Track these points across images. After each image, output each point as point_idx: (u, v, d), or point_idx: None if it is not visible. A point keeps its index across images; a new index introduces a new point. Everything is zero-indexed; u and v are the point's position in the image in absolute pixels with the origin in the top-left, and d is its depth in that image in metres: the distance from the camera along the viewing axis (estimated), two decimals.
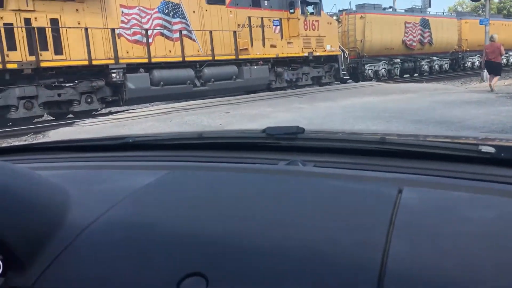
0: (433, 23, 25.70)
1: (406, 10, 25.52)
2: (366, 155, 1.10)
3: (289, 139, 1.19)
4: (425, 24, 25.15)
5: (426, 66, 26.09)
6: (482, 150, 0.97)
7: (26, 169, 0.91)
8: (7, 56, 10.96)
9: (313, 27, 18.65)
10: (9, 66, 10.91)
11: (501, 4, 53.08)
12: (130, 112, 12.36)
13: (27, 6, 11.44)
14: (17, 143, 7.60)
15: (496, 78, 13.98)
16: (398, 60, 24.11)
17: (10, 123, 11.40)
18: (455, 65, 29.18)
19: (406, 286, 0.59)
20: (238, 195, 0.88)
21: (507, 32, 29.72)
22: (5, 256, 0.73)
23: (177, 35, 14.47)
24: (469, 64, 29.63)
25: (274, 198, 0.85)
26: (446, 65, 27.86)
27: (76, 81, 12.24)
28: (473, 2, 35.74)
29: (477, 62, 29.38)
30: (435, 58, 26.69)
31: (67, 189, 0.93)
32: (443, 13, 31.84)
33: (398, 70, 24.32)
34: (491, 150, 0.96)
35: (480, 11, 42.54)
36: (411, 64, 25.29)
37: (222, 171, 1.04)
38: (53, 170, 1.11)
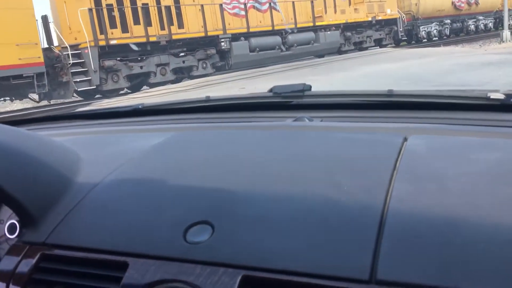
0: None
1: None
2: (373, 108, 1.10)
3: (296, 96, 1.19)
4: None
5: (472, 26, 27.61)
6: (491, 97, 0.97)
7: (39, 134, 0.98)
8: (145, 30, 13.40)
9: None
10: (151, 39, 13.36)
11: None
12: (145, 92, 12.58)
13: None
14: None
15: None
16: (448, 21, 25.74)
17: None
18: (498, 24, 30.51)
19: (408, 222, 0.60)
20: (244, 150, 0.90)
21: None
22: (18, 213, 0.79)
23: (265, 7, 16.65)
24: (510, 22, 30.88)
25: (280, 151, 0.86)
26: (490, 24, 29.25)
27: (195, 50, 14.64)
28: None
29: None
30: (480, 17, 28.13)
31: (79, 151, 0.97)
32: None
33: (448, 31, 25.97)
34: (501, 96, 0.96)
35: None
36: (459, 24, 26.86)
37: (229, 130, 1.06)
38: (65, 136, 1.16)
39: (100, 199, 0.81)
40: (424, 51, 16.60)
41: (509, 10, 30.18)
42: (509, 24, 30.20)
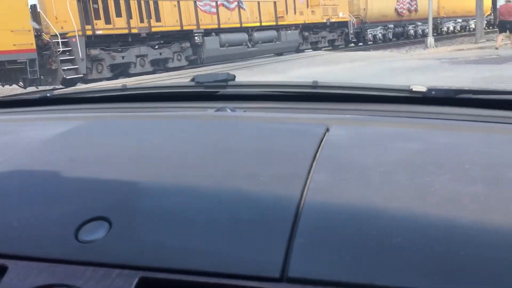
0: None
1: None
2: (298, 100, 1.10)
3: (219, 86, 1.16)
4: None
5: (412, 31, 30.30)
6: (414, 89, 0.99)
7: None
8: (126, 23, 14.27)
9: None
10: (132, 31, 14.24)
11: None
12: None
13: None
14: None
15: (501, 35, 15.40)
16: (392, 26, 28.18)
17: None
18: (434, 30, 33.56)
19: (324, 215, 0.58)
20: (155, 141, 0.84)
21: (459, 0, 33.86)
22: None
23: (233, 5, 17.93)
24: (445, 28, 34.05)
25: (196, 142, 0.82)
26: (427, 29, 32.15)
27: (171, 43, 15.65)
28: None
29: (452, 27, 33.97)
30: (419, 23, 30.90)
31: None
32: None
33: (391, 34, 28.41)
34: (423, 89, 0.99)
35: None
36: (401, 29, 29.41)
37: (142, 119, 1.00)
38: None
39: None
40: (356, 55, 17.20)
41: (446, 17, 33.32)
42: (445, 30, 33.35)
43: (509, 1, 15.33)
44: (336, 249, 0.53)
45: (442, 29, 33.83)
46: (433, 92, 0.99)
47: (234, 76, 1.19)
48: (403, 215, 0.56)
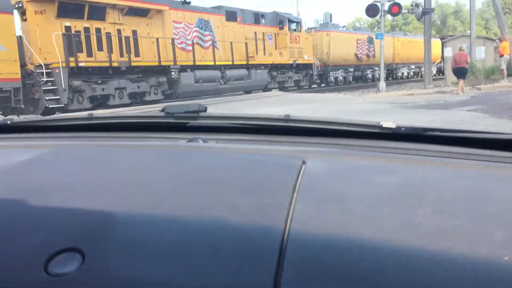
0: (376, 40, 32.00)
1: (355, 29, 31.58)
2: (271, 133, 1.09)
3: (191, 117, 1.13)
4: (370, 40, 31.31)
5: (370, 75, 32.26)
6: (384, 125, 1.01)
7: None
8: (106, 56, 14.81)
9: (296, 40, 23.73)
10: (113, 64, 14.78)
11: (394, 22, 60.60)
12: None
13: (119, 20, 15.35)
14: None
15: (462, 81, 16.05)
16: (352, 69, 29.98)
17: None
18: (389, 75, 35.77)
19: (310, 247, 0.56)
20: (127, 170, 0.81)
21: (412, 48, 36.56)
22: None
23: (207, 44, 18.84)
24: (399, 74, 36.38)
25: (168, 172, 0.79)
26: (383, 74, 34.29)
27: (148, 77, 16.25)
28: (370, 18, 41.66)
29: (406, 73, 36.38)
30: (376, 68, 32.94)
31: None
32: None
33: (351, 77, 30.16)
34: (392, 125, 1.00)
35: (375, 28, 47.13)
36: (360, 72, 31.28)
37: (111, 148, 0.97)
38: None
39: None
40: (311, 96, 17.48)
41: (400, 63, 35.65)
42: (400, 76, 35.61)
43: (462, 50, 16.56)
44: (324, 282, 0.52)
45: (397, 74, 36.12)
46: (403, 129, 1.01)
47: (206, 108, 1.17)
48: (390, 247, 0.55)
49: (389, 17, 21.72)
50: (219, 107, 13.66)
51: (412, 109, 11.54)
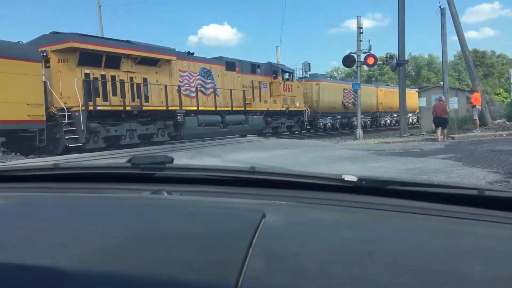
0: (362, 90, 33.99)
1: (341, 79, 33.63)
2: (235, 185, 1.11)
3: (156, 168, 1.15)
4: (356, 90, 33.37)
5: (355, 122, 34.04)
6: (345, 179, 1.03)
7: None
8: (120, 101, 16.07)
9: (288, 89, 25.44)
10: (127, 108, 16.01)
11: (370, 72, 62.92)
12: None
13: (132, 68, 16.72)
14: None
15: (444, 130, 16.40)
16: (339, 117, 31.76)
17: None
18: (373, 123, 37.70)
19: None
20: (84, 223, 0.81)
21: (394, 98, 38.79)
22: None
23: (209, 91, 20.30)
24: (383, 121, 38.36)
25: (128, 226, 0.79)
26: (368, 122, 36.17)
27: (156, 120, 17.50)
28: (347, 68, 41.86)
29: (388, 121, 38.41)
30: (361, 116, 34.79)
31: None
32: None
33: (339, 124, 31.88)
34: (354, 179, 1.03)
35: (353, 77, 49.35)
36: (347, 119, 33.07)
37: (74, 201, 0.96)
38: None
39: None
40: (291, 142, 17.73)
41: (383, 112, 37.68)
42: (383, 123, 37.51)
43: (441, 100, 17.52)
44: None
45: (381, 122, 38.10)
46: (363, 182, 1.02)
47: (172, 159, 1.18)
48: None
49: (365, 67, 22.35)
50: (199, 152, 13.91)
51: (388, 156, 11.58)
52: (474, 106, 19.06)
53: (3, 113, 12.29)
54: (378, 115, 37.73)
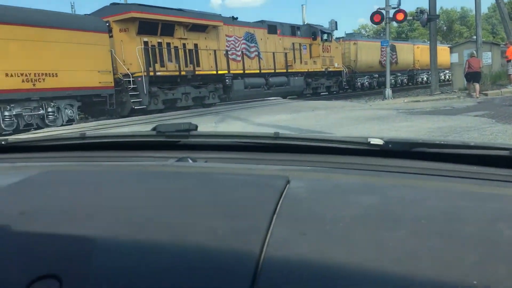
0: (398, 48, 34.29)
1: (378, 38, 33.92)
2: (259, 151, 1.12)
3: (181, 136, 1.17)
4: (392, 48, 33.54)
5: (393, 80, 34.45)
6: (371, 142, 1.01)
7: None
8: (175, 66, 17.37)
9: (327, 50, 26.15)
10: (182, 73, 17.33)
11: (400, 28, 61.35)
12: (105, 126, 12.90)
13: (184, 35, 17.90)
14: None
15: (477, 86, 16.27)
16: (376, 76, 32.28)
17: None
18: (410, 80, 37.95)
19: (284, 272, 0.57)
20: (112, 192, 0.83)
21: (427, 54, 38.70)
22: None
23: (253, 55, 21.34)
24: (419, 79, 38.54)
25: (154, 194, 0.81)
26: (405, 80, 36.51)
27: (207, 84, 18.79)
28: (375, 26, 41.90)
29: (425, 78, 38.54)
30: (399, 74, 35.22)
31: None
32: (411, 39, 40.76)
33: (376, 83, 32.45)
34: (380, 142, 1.01)
35: (381, 34, 46.73)
36: (383, 78, 33.48)
37: (102, 170, 0.99)
38: None
39: None
40: (318, 104, 17.33)
41: (420, 69, 37.82)
42: (420, 81, 37.73)
43: (473, 55, 17.30)
44: None
45: (417, 80, 38.31)
46: (390, 146, 1.01)
47: (196, 126, 1.19)
48: (362, 272, 0.55)
49: (394, 23, 21.38)
50: (226, 115, 13.81)
51: (418, 116, 11.27)
52: (509, 61, 18.55)
53: (79, 80, 13.76)
54: (414, 73, 37.92)
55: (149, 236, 0.66)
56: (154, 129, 1.21)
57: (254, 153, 1.13)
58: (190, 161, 1.03)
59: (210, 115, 14.34)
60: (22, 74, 12.37)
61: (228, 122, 12.11)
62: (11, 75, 12.15)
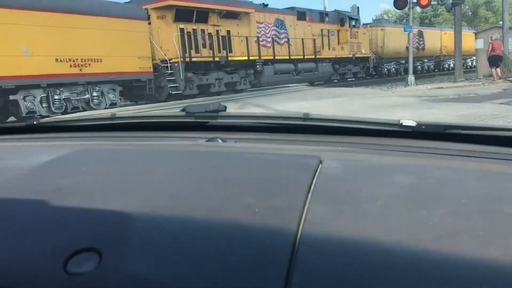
0: (425, 34, 34.17)
1: (403, 24, 33.84)
2: (289, 132, 1.11)
3: (210, 117, 1.16)
4: (420, 34, 33.52)
5: (419, 67, 34.44)
6: (404, 123, 1.00)
7: None
8: (209, 52, 17.93)
9: (355, 36, 26.33)
10: (216, 59, 17.89)
11: (423, 14, 59.63)
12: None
13: (217, 22, 18.41)
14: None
15: (498, 69, 16.82)
16: (403, 62, 32.26)
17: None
18: (437, 66, 37.77)
19: (322, 249, 0.56)
20: (146, 170, 0.83)
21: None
22: None
23: (282, 41, 21.72)
24: (446, 65, 38.29)
25: (187, 172, 0.82)
26: (432, 66, 36.39)
27: (239, 70, 19.32)
28: (398, 11, 41.20)
29: (452, 64, 38.22)
30: (426, 60, 35.13)
31: None
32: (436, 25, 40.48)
33: (403, 69, 32.45)
34: (413, 123, 1.00)
35: (404, 20, 46.37)
36: None
37: (132, 148, 1.00)
38: None
39: None
40: (339, 91, 17.28)
41: (447, 55, 37.58)
42: (446, 67, 37.51)
43: (497, 38, 17.24)
44: (336, 287, 0.52)
45: (444, 66, 38.09)
46: (423, 127, 1.00)
47: (225, 107, 1.19)
48: (402, 250, 0.55)
49: (418, 8, 20.67)
50: (246, 102, 13.73)
51: (441, 103, 11.06)
52: None
53: (121, 66, 14.43)
54: (441, 59, 37.73)
55: (185, 211, 0.67)
56: (183, 110, 1.22)
57: (283, 134, 1.13)
58: (220, 141, 1.04)
59: (230, 101, 14.22)
60: (70, 60, 13.07)
61: (248, 109, 12.02)
62: (60, 61, 12.86)
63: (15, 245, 0.63)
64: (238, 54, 19.24)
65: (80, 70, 13.36)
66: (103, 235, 0.63)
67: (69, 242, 0.62)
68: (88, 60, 13.55)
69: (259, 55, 19.97)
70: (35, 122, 1.31)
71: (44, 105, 12.76)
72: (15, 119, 12.26)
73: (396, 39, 30.62)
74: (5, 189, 0.78)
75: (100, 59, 13.87)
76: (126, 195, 0.73)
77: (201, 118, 1.19)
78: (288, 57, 21.66)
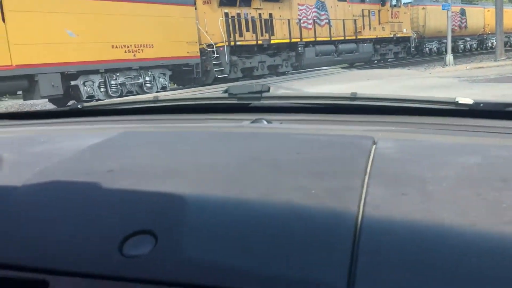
0: (468, 11, 33.37)
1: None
2: (336, 112, 1.08)
3: (254, 98, 1.14)
4: (462, 12, 32.78)
5: (462, 45, 33.75)
6: (460, 101, 0.96)
7: None
8: (252, 36, 18.33)
9: (396, 15, 26.09)
10: (259, 42, 18.28)
11: None
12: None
13: (260, 5, 18.74)
14: None
15: None
16: (445, 41, 31.67)
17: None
18: (479, 45, 36.84)
19: (387, 231, 0.54)
20: (195, 152, 0.83)
21: (504, 19, 36.95)
22: None
23: (323, 22, 21.84)
24: (489, 44, 37.28)
25: (236, 154, 0.80)
26: (474, 45, 35.55)
27: (281, 52, 19.66)
28: None
29: (495, 43, 37.22)
30: (468, 39, 34.37)
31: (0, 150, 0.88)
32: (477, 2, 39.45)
33: (444, 48, 31.89)
34: (470, 101, 0.96)
35: None
36: (453, 43, 32.82)
37: (179, 130, 0.99)
38: None
39: (17, 205, 0.68)
40: (373, 72, 16.82)
41: (491, 33, 36.56)
42: (489, 46, 36.53)
43: None
44: (404, 271, 0.49)
45: (487, 44, 37.10)
46: (481, 105, 0.96)
47: (269, 88, 1.17)
48: (474, 233, 0.51)
49: None
50: (278, 86, 13.35)
51: (482, 83, 10.59)
52: None
53: (171, 51, 15.05)
54: (485, 37, 36.77)
55: (237, 193, 0.65)
56: (225, 91, 1.21)
57: (329, 114, 1.10)
58: (265, 122, 1.02)
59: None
60: (124, 46, 13.76)
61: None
62: (116, 47, 13.57)
63: (71, 227, 0.63)
64: (280, 36, 19.55)
65: (134, 55, 14.04)
66: (158, 217, 0.62)
67: (124, 224, 0.62)
68: (141, 46, 14.22)
69: (301, 37, 20.22)
70: (79, 106, 1.32)
71: (102, 90, 13.54)
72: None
73: (437, 18, 30.09)
74: (56, 172, 0.77)
75: (152, 45, 14.51)
76: (177, 177, 0.72)
77: (245, 100, 1.18)
78: (329, 38, 21.80)
